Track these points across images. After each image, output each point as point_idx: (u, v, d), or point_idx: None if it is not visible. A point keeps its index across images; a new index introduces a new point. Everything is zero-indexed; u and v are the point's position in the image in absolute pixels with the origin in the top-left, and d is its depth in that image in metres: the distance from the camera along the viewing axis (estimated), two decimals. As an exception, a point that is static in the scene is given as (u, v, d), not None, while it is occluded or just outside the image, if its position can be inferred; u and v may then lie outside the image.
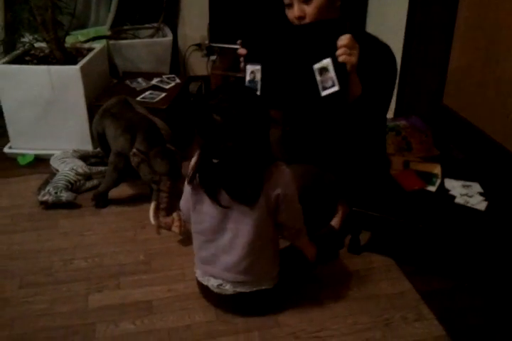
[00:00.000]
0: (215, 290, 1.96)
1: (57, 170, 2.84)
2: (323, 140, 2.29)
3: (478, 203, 2.29)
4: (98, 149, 3.01)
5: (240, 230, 1.83)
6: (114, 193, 2.74)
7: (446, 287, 2.20)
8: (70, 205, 2.66)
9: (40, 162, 3.08)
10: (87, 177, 2.86)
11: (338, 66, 1.89)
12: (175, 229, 2.37)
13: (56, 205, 2.64)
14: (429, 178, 2.46)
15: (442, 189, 2.40)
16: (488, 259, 2.16)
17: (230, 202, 1.79)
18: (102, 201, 2.70)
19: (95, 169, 2.89)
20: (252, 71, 2.10)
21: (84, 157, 3.02)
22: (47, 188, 2.68)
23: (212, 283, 1.96)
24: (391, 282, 2.23)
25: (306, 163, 2.36)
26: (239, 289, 1.93)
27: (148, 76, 3.56)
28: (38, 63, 3.16)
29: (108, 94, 3.17)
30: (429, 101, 3.19)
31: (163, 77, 3.56)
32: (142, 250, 2.38)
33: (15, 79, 3.01)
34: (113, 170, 2.63)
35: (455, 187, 2.42)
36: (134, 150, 2.50)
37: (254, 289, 1.93)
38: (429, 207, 2.27)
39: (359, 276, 2.26)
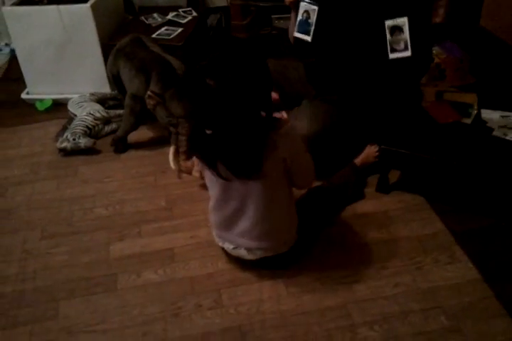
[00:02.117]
0: (232, 252, 1.89)
1: (75, 115, 2.76)
2: (351, 73, 2.12)
3: (518, 135, 2.12)
4: (116, 91, 2.90)
5: (248, 198, 1.69)
6: (133, 137, 2.66)
7: (481, 226, 2.08)
8: (89, 151, 2.60)
9: (59, 107, 3.00)
10: (106, 121, 2.78)
11: (416, 27, 1.67)
12: (195, 173, 2.28)
13: (75, 152, 2.59)
14: (464, 109, 2.28)
15: (479, 121, 2.22)
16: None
17: (230, 174, 1.63)
18: (121, 146, 2.63)
19: (113, 112, 2.80)
20: (306, 10, 1.90)
21: (101, 100, 2.92)
22: (65, 135, 2.61)
23: (227, 246, 1.88)
24: (422, 222, 2.12)
25: (332, 96, 2.21)
26: (254, 255, 1.84)
27: (165, 10, 3.38)
28: (49, 3, 3.00)
29: (123, 32, 3.02)
30: (465, 23, 2.93)
31: (180, 10, 3.38)
32: (163, 196, 2.32)
33: (25, 21, 2.88)
34: (130, 114, 2.53)
35: (493, 118, 2.24)
36: (149, 92, 2.38)
37: (271, 254, 1.84)
38: (465, 141, 2.11)
39: (388, 217, 2.15)
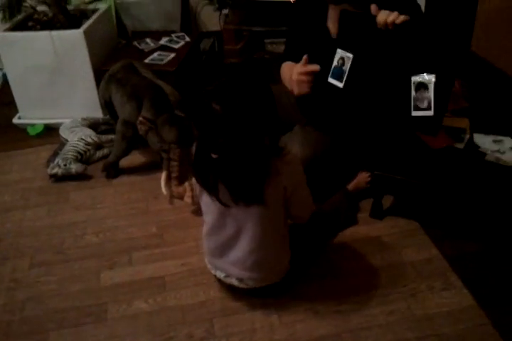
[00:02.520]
0: (223, 280, 1.86)
1: (67, 140, 2.75)
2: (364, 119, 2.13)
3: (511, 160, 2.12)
4: (108, 116, 2.89)
5: (244, 226, 1.67)
6: (125, 162, 2.64)
7: (475, 251, 2.06)
8: (80, 177, 2.58)
9: (51, 132, 3.00)
10: (97, 146, 2.76)
11: (442, 87, 1.66)
12: (187, 199, 2.26)
13: (66, 177, 2.57)
14: (457, 134, 2.28)
15: (471, 145, 2.22)
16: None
17: (230, 200, 1.61)
18: (112, 171, 2.61)
19: (105, 138, 2.79)
20: (342, 57, 1.91)
21: (94, 125, 2.92)
22: (56, 160, 2.59)
23: (219, 273, 1.85)
24: (416, 248, 2.10)
25: (324, 125, 2.21)
26: (245, 285, 1.81)
27: (158, 35, 3.40)
28: (42, 28, 3.01)
29: (115, 57, 3.02)
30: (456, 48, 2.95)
31: (173, 35, 3.39)
32: (155, 222, 2.29)
33: (18, 46, 2.89)
34: (121, 140, 2.52)
35: (485, 142, 2.24)
36: (141, 118, 2.38)
37: (262, 285, 1.81)
38: (458, 166, 2.10)
39: (382, 243, 2.13)
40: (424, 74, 1.70)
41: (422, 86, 1.71)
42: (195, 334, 1.79)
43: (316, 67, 1.92)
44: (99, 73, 2.89)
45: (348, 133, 2.21)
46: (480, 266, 2.00)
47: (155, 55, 3.12)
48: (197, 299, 1.91)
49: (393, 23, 1.73)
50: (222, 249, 1.76)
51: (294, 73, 1.97)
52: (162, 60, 3.06)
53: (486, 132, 2.29)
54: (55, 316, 1.88)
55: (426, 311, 1.83)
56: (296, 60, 2.00)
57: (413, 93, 1.74)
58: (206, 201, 1.69)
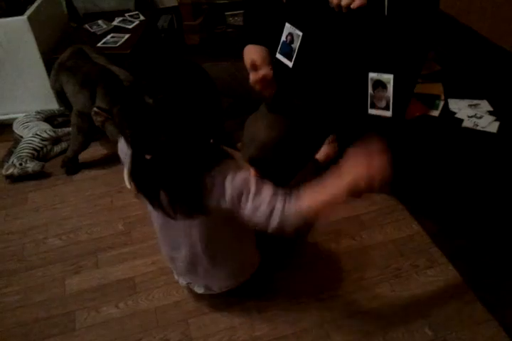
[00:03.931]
0: (188, 285, 1.74)
1: (21, 137, 2.58)
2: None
3: (489, 124, 2.00)
4: (64, 107, 2.73)
5: (188, 235, 1.50)
6: (85, 156, 2.49)
7: (457, 225, 1.97)
8: (38, 176, 2.43)
9: (4, 129, 2.81)
10: (55, 140, 2.60)
11: (401, 87, 1.48)
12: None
13: (23, 177, 2.41)
14: (431, 101, 2.15)
15: (447, 112, 2.10)
16: (505, 188, 1.90)
17: (171, 210, 1.40)
18: (72, 167, 2.46)
19: (62, 131, 2.62)
20: (290, 33, 1.73)
21: (49, 118, 2.75)
22: (11, 160, 2.43)
23: (181, 281, 1.74)
24: (397, 225, 2.00)
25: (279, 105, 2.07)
26: (208, 291, 1.68)
27: (110, 16, 3.20)
28: (-18, 16, 2.80)
29: (66, 43, 2.83)
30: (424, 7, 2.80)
31: (126, 15, 3.20)
32: (121, 218, 2.16)
33: (-42, 38, 2.68)
34: (77, 133, 2.37)
35: (461, 108, 2.11)
36: (95, 108, 2.22)
37: (227, 289, 1.67)
38: (434, 135, 1.98)
39: (360, 222, 2.03)
40: (382, 72, 1.52)
41: (380, 84, 1.55)
42: (171, 337, 1.69)
43: (265, 73, 1.76)
44: (49, 62, 2.70)
45: (305, 114, 2.06)
46: (464, 240, 1.90)
47: (108, 37, 2.94)
48: (170, 299, 1.81)
49: (348, 6, 1.54)
50: (172, 256, 1.63)
51: (251, 79, 1.82)
52: (116, 42, 2.88)
53: (461, 96, 2.16)
54: (19, 330, 1.76)
55: (411, 292, 1.75)
56: (258, 38, 1.84)
57: (370, 90, 1.57)
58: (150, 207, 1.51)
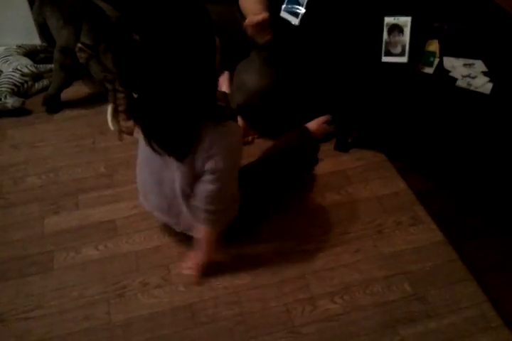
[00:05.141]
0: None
1: (1, 71, 2.47)
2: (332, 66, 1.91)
3: (483, 85, 1.97)
4: (46, 43, 2.61)
5: (162, 174, 1.49)
6: (67, 94, 2.40)
7: (444, 184, 1.96)
8: (17, 112, 2.33)
9: (-17, 62, 2.68)
10: (36, 77, 2.50)
11: (418, 31, 1.42)
12: (137, 134, 2.07)
13: (2, 113, 2.32)
14: (425, 58, 2.10)
15: (441, 70, 2.05)
16: (494, 151, 1.89)
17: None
18: (53, 105, 2.37)
19: (44, 67, 2.52)
20: None
21: (31, 53, 2.63)
22: (-11, 94, 2.33)
23: (157, 218, 1.72)
24: (383, 181, 2.00)
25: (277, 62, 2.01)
26: (190, 233, 1.66)
27: None
28: None
29: (50, -26, 2.67)
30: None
31: None
32: (102, 160, 2.11)
33: None
34: (60, 69, 2.28)
35: (455, 67, 2.07)
36: (79, 44, 2.12)
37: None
38: (427, 92, 1.94)
39: (347, 177, 2.02)
40: (399, 15, 1.47)
41: (396, 28, 1.50)
42: (151, 281, 1.68)
43: (263, 16, 1.69)
44: (32, -7, 2.57)
45: (304, 71, 2.00)
46: (448, 200, 1.91)
47: (95, -29, 2.78)
48: (151, 244, 1.79)
49: None
50: (147, 192, 1.62)
51: (247, 24, 1.73)
52: (102, -25, 2.73)
53: (456, 55, 2.11)
54: (-4, 267, 1.72)
55: (393, 248, 1.76)
56: None
57: (385, 36, 1.52)
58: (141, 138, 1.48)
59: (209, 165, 1.36)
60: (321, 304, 1.60)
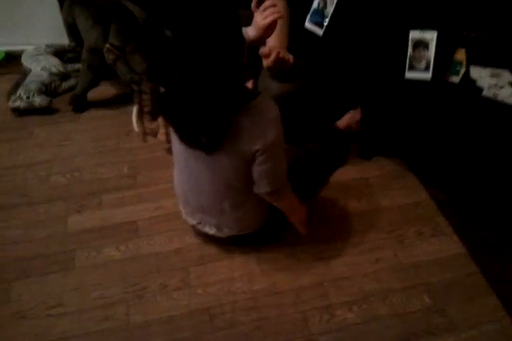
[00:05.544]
0: (197, 227, 1.73)
1: (30, 70, 2.51)
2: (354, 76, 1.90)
3: (510, 96, 1.95)
4: (74, 43, 2.64)
5: (206, 173, 1.49)
6: (93, 94, 2.43)
7: (466, 195, 1.95)
8: (44, 111, 2.37)
9: (13, 60, 2.71)
10: (64, 76, 2.53)
11: (444, 46, 1.42)
12: (161, 136, 2.09)
13: (29, 111, 2.35)
14: (452, 67, 2.08)
15: (467, 79, 2.03)
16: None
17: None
18: (80, 104, 2.40)
19: (72, 67, 2.55)
20: None
21: (59, 52, 2.66)
22: (18, 92, 2.37)
23: (190, 221, 1.72)
24: (405, 191, 1.98)
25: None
26: (220, 233, 1.68)
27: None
28: None
29: (81, -25, 2.71)
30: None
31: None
32: (126, 161, 2.13)
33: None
34: (87, 69, 2.30)
35: (482, 76, 2.05)
36: (108, 45, 2.15)
37: (238, 233, 1.67)
38: (453, 101, 1.93)
39: (368, 185, 2.01)
40: (425, 30, 1.46)
41: (421, 43, 1.48)
42: (170, 283, 1.69)
43: (275, 55, 1.68)
44: (62, -7, 2.60)
45: (327, 80, 1.99)
46: (470, 211, 1.89)
47: (125, -27, 2.81)
48: (172, 246, 1.80)
49: None
50: (190, 195, 1.62)
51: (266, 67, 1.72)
52: (132, -22, 2.75)
53: (484, 64, 2.09)
54: (19, 264, 1.75)
55: (413, 259, 1.75)
56: None
57: (410, 51, 1.50)
58: (175, 139, 1.50)
59: (257, 146, 1.35)
60: (339, 313, 1.60)
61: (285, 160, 1.46)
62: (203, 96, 1.26)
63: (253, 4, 1.53)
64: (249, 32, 1.45)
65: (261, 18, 1.44)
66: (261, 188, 1.47)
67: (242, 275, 1.70)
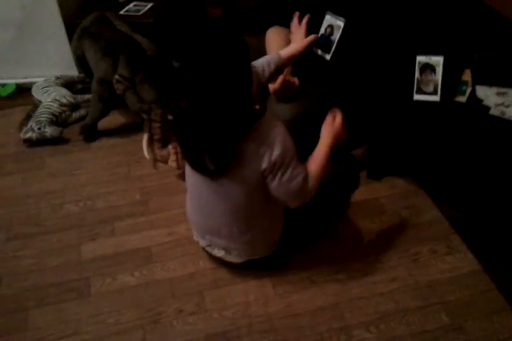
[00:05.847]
0: (208, 251, 1.74)
1: (40, 101, 2.55)
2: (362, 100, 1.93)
3: (517, 114, 1.96)
4: (83, 74, 2.69)
5: (218, 197, 1.51)
6: (104, 123, 2.47)
7: (479, 212, 1.94)
8: (56, 141, 2.41)
9: (23, 92, 2.78)
10: (74, 107, 2.58)
11: (451, 71, 1.44)
12: (172, 163, 2.11)
13: (41, 142, 2.39)
14: (458, 87, 2.10)
15: (474, 99, 2.05)
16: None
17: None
18: (90, 134, 2.44)
19: (81, 97, 2.60)
20: (331, 25, 1.68)
21: (69, 84, 2.72)
22: (29, 124, 2.42)
23: (201, 242, 1.73)
24: (417, 209, 1.99)
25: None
26: (230, 257, 1.69)
27: (134, -16, 3.13)
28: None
29: (88, 9, 2.77)
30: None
31: (149, -16, 3.13)
32: (138, 188, 2.15)
33: (-21, -1, 2.64)
34: (98, 100, 2.34)
35: (488, 95, 2.07)
36: (117, 76, 2.19)
37: (249, 258, 1.68)
38: (460, 121, 1.94)
39: (380, 205, 2.02)
40: (432, 54, 1.48)
41: (429, 68, 1.51)
42: (186, 308, 1.68)
43: (279, 82, 1.74)
44: (71, 27, 2.67)
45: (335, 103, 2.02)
46: (484, 228, 1.88)
47: (131, 5, 2.88)
48: (186, 270, 1.80)
49: None
50: (199, 218, 1.64)
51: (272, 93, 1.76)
52: (139, 10, 2.83)
53: (489, 83, 2.11)
54: (35, 293, 1.76)
55: (429, 278, 1.74)
56: (280, 18, 1.80)
57: (417, 75, 1.52)
58: (187, 164, 1.53)
59: (265, 164, 1.36)
60: (356, 334, 1.59)
61: (300, 167, 1.44)
62: (208, 124, 1.30)
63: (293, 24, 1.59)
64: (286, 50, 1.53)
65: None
66: (292, 206, 1.50)
67: (257, 299, 1.70)
